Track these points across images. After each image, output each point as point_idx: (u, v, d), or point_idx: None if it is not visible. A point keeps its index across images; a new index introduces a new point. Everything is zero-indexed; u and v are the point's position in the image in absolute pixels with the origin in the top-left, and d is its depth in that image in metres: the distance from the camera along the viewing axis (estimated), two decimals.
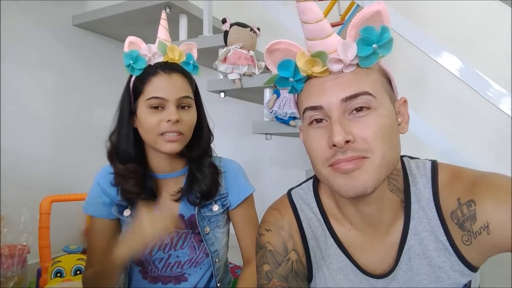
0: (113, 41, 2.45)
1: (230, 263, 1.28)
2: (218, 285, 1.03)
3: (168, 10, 1.90)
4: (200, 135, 0.99)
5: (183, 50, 0.96)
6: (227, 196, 1.02)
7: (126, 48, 0.92)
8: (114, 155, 0.94)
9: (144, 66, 0.90)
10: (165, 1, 1.84)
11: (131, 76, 0.94)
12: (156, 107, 0.87)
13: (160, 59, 0.92)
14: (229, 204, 1.02)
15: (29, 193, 1.84)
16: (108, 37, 2.41)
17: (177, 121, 0.86)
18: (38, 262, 1.57)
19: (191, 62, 0.95)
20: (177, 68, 0.92)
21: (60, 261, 1.48)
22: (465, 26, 1.96)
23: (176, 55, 0.92)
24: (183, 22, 1.96)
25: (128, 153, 0.92)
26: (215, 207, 1.00)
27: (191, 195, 0.97)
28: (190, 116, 0.91)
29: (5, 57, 1.85)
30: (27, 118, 1.97)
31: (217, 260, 1.01)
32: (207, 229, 0.99)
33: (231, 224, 1.09)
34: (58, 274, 1.44)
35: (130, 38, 0.93)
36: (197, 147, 0.98)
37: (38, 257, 1.57)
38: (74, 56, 2.21)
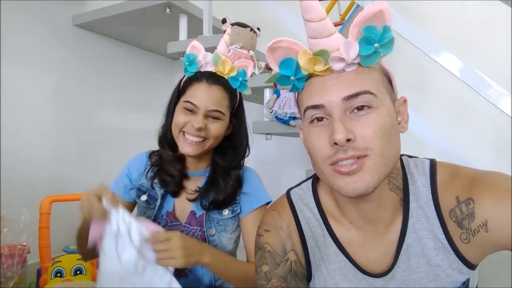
0: (113, 41, 2.45)
1: None
2: None
3: (168, 10, 1.90)
4: (234, 146, 1.04)
5: (238, 66, 1.00)
6: (239, 203, 1.03)
7: (188, 50, 1.00)
8: (164, 141, 1.04)
9: (195, 70, 0.98)
10: (165, 1, 1.84)
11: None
12: (189, 110, 0.95)
13: (211, 68, 0.99)
14: (239, 211, 1.03)
15: (29, 193, 1.84)
16: (108, 37, 2.41)
17: (201, 128, 0.93)
18: (38, 262, 1.57)
19: (240, 79, 0.98)
20: (221, 81, 0.97)
21: (60, 261, 1.48)
22: (465, 26, 1.96)
23: (226, 69, 0.97)
24: (183, 22, 1.96)
25: (173, 142, 1.01)
26: (225, 212, 1.02)
27: (204, 199, 1.01)
28: (217, 127, 0.96)
29: (5, 57, 1.85)
30: (27, 118, 1.96)
31: None
32: (213, 231, 1.01)
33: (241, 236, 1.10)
34: (58, 274, 1.44)
35: (194, 43, 1.00)
36: (229, 156, 1.04)
37: (38, 257, 1.56)
38: (74, 56, 2.21)
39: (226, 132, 1.02)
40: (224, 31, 1.60)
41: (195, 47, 0.99)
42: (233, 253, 1.07)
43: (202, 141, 0.95)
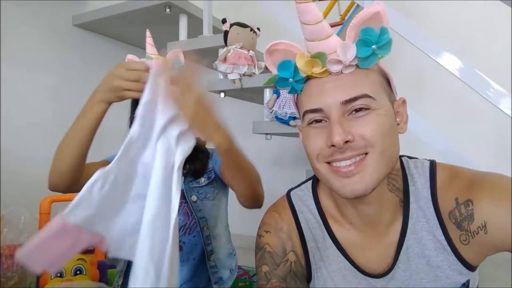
0: (113, 41, 2.45)
1: None
2: (211, 259, 1.11)
3: (168, 10, 1.90)
4: None
5: (170, 57, 1.13)
6: (212, 169, 1.15)
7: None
8: None
9: None
10: (165, 1, 1.84)
11: None
12: None
13: None
14: (213, 176, 1.14)
15: (29, 193, 1.84)
16: (108, 37, 2.41)
17: None
18: None
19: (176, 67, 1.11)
20: None
21: None
22: (465, 26, 1.96)
23: None
24: (183, 22, 1.96)
25: None
26: (202, 180, 1.14)
27: (183, 170, 1.12)
28: None
29: (5, 57, 1.85)
30: (27, 118, 1.97)
31: (205, 227, 1.11)
32: (194, 198, 1.12)
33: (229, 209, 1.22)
34: (58, 274, 1.44)
35: (128, 56, 1.14)
36: None
37: None
38: (74, 56, 2.21)
39: None
40: (226, 31, 1.62)
41: (131, 60, 1.14)
42: (219, 220, 1.16)
43: None
